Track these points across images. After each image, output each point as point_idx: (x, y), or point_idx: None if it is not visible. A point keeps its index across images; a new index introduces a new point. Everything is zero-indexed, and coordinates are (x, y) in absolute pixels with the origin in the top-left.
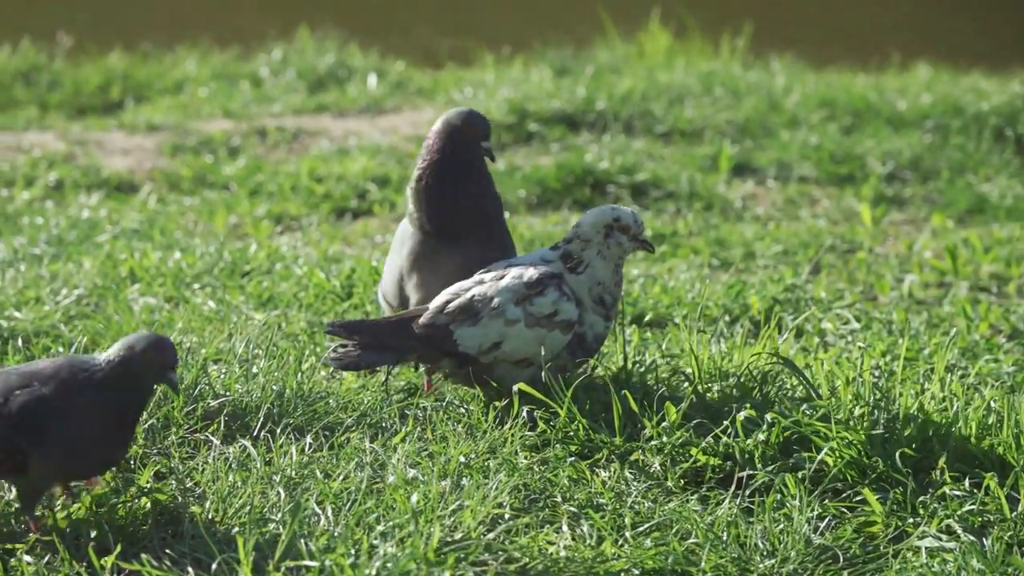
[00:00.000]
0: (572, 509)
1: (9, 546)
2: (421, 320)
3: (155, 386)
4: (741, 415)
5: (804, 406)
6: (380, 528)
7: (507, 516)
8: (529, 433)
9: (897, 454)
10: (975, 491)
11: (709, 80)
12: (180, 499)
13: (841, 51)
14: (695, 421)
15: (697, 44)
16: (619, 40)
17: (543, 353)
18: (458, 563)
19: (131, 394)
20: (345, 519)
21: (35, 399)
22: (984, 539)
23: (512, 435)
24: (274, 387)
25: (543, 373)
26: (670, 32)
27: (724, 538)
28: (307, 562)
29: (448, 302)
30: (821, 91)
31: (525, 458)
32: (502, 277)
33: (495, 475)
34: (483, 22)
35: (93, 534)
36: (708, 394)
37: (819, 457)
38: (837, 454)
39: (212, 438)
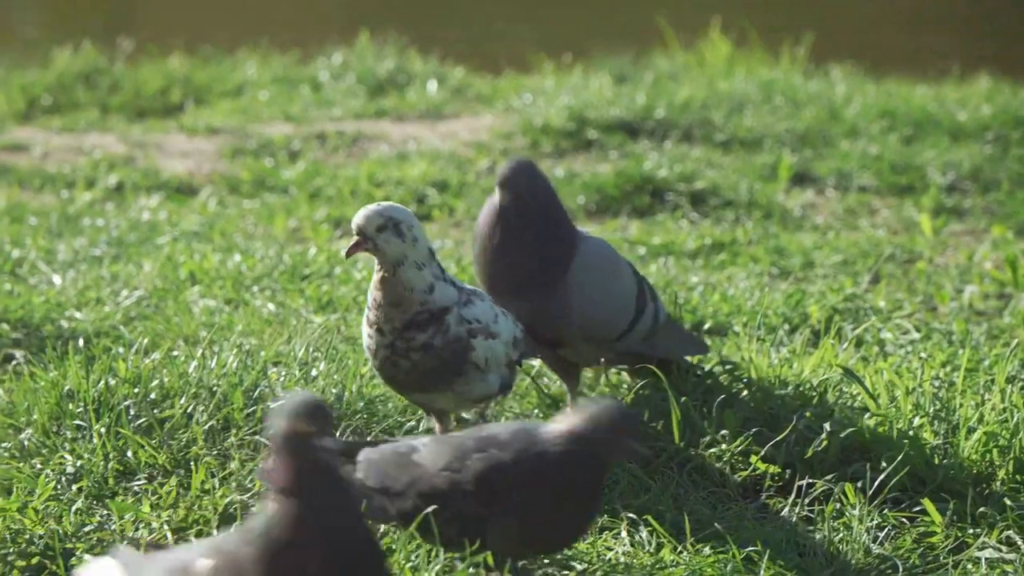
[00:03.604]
0: (631, 515)
1: (69, 544)
2: None
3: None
4: (801, 424)
5: (864, 415)
6: None
7: None
8: None
9: (957, 464)
10: None
11: (769, 89)
12: (240, 500)
13: (901, 61)
14: (754, 429)
15: (757, 53)
16: (679, 48)
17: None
18: (516, 569)
19: (589, 470)
20: None
21: (494, 464)
22: None
23: None
24: (333, 390)
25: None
26: (730, 41)
27: (783, 546)
28: None
29: None
30: (881, 101)
31: None
32: None
33: None
34: (543, 29)
35: (151, 535)
36: (767, 402)
37: (879, 467)
38: (897, 464)
39: None
